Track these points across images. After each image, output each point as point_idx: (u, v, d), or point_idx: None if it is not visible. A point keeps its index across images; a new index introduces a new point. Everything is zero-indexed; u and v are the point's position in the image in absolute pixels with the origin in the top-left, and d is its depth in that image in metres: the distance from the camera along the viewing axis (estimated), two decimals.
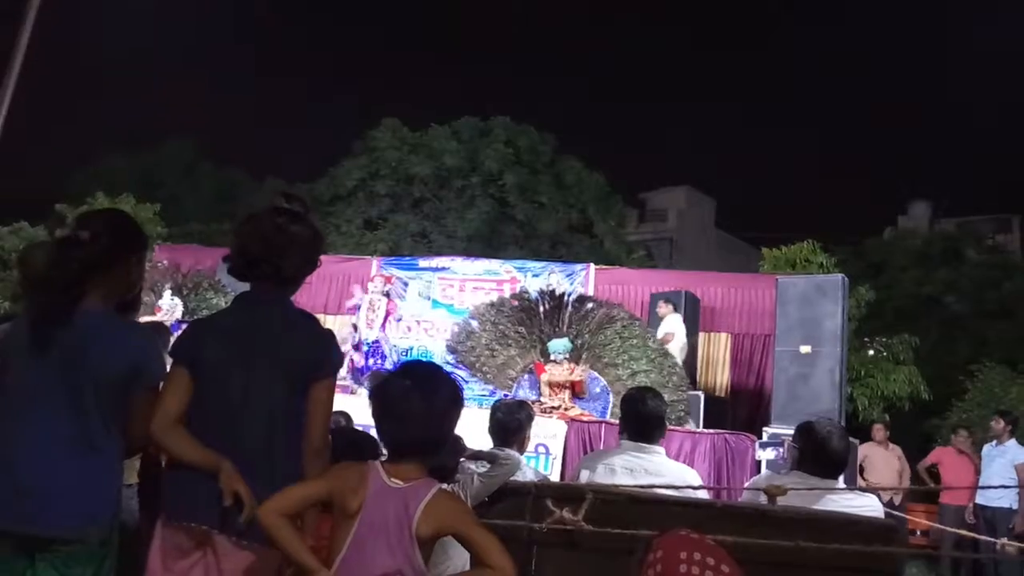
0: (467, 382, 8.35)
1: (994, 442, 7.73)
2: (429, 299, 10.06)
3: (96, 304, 2.07)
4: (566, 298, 8.23)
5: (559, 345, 7.64)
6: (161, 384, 2.10)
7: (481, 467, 2.84)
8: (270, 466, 1.99)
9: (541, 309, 8.15)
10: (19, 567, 1.93)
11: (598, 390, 7.79)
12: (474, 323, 8.36)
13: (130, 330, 2.18)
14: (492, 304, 8.48)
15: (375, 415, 1.92)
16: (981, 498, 7.63)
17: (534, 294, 8.36)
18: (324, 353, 2.13)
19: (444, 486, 2.64)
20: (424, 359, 9.01)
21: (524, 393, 7.65)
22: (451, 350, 8.36)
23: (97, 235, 2.09)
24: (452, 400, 1.92)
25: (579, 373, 7.50)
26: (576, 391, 7.49)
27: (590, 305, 8.20)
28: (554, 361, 7.62)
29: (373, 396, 1.94)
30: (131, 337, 2.12)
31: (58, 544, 1.93)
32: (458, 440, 2.79)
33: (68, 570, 1.93)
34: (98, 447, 2.01)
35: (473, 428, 3.24)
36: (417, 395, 1.85)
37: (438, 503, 1.81)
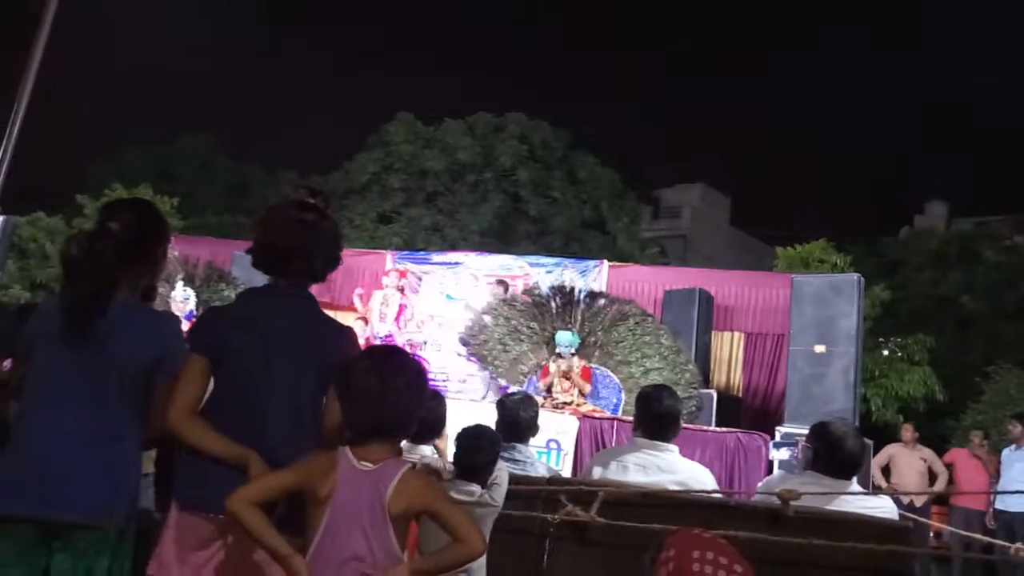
0: (478, 375, 8.40)
1: (1013, 446, 7.65)
2: (443, 294, 10.08)
3: (123, 293, 2.08)
4: (577, 294, 8.22)
5: (565, 338, 7.62)
6: None
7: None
8: (293, 461, 1.98)
9: (553, 305, 8.15)
10: (37, 556, 1.94)
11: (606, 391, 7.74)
12: (487, 318, 8.36)
13: (156, 318, 2.19)
14: (505, 299, 8.49)
15: (338, 398, 1.93)
16: (1000, 503, 7.57)
17: (546, 290, 8.35)
18: (350, 350, 2.14)
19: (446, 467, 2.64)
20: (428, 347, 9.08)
21: (534, 389, 7.64)
22: (464, 343, 8.38)
23: (127, 225, 2.11)
24: (413, 380, 1.90)
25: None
26: (581, 387, 7.47)
27: (602, 301, 8.17)
28: (560, 355, 7.61)
29: (336, 379, 1.95)
30: (158, 325, 2.14)
31: (76, 531, 1.94)
32: (488, 436, 2.76)
33: (85, 560, 1.94)
34: (120, 436, 2.03)
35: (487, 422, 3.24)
36: (375, 376, 1.85)
37: (408, 481, 1.82)
